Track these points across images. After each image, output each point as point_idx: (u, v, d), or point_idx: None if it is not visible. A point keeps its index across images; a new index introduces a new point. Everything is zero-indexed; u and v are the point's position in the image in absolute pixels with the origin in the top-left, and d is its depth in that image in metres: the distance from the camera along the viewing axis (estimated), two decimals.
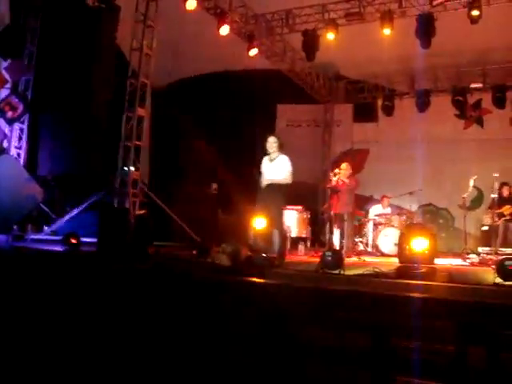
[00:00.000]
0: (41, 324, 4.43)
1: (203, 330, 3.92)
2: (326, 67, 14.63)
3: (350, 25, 11.34)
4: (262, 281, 4.50)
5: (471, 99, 13.83)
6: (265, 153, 7.46)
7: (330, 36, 11.06)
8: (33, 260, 6.59)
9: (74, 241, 7.35)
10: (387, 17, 10.51)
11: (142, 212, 9.23)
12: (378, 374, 3.60)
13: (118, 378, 3.51)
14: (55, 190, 11.97)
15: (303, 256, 9.78)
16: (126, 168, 10.11)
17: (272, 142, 7.30)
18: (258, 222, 6.94)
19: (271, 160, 7.35)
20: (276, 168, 7.27)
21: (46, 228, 10.37)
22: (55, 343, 4.03)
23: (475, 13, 9.72)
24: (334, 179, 9.40)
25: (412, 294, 3.93)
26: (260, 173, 7.44)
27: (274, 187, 7.21)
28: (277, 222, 7.22)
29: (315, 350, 3.85)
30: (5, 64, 10.53)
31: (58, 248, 7.37)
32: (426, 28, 10.09)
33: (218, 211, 12.11)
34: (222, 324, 3.90)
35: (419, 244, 6.01)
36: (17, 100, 10.69)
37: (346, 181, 9.62)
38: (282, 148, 7.36)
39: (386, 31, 10.53)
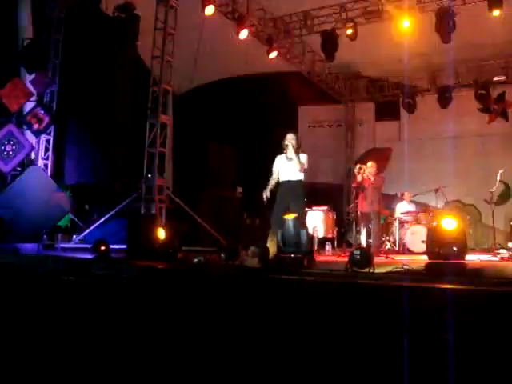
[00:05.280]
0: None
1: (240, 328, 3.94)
2: (346, 67, 14.60)
3: (368, 23, 11.33)
4: (295, 277, 4.50)
5: (494, 93, 13.63)
6: (281, 151, 7.33)
7: (349, 35, 11.05)
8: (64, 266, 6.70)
9: (103, 248, 7.43)
10: (406, 13, 10.50)
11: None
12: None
13: None
14: (82, 199, 12.14)
15: (331, 256, 9.76)
16: (150, 175, 10.20)
17: (290, 139, 7.23)
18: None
19: (289, 158, 7.23)
20: (295, 166, 7.19)
21: (74, 237, 10.52)
22: None
23: (496, 5, 9.64)
24: (359, 177, 9.39)
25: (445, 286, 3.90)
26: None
27: (294, 186, 7.19)
28: (302, 221, 7.18)
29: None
30: (30, 77, 10.69)
31: (88, 255, 7.47)
32: (445, 23, 10.02)
33: (243, 214, 12.17)
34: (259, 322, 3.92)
35: (449, 223, 5.91)
36: (42, 112, 10.82)
37: (371, 178, 9.52)
38: (300, 147, 7.30)
39: (406, 27, 10.52)
